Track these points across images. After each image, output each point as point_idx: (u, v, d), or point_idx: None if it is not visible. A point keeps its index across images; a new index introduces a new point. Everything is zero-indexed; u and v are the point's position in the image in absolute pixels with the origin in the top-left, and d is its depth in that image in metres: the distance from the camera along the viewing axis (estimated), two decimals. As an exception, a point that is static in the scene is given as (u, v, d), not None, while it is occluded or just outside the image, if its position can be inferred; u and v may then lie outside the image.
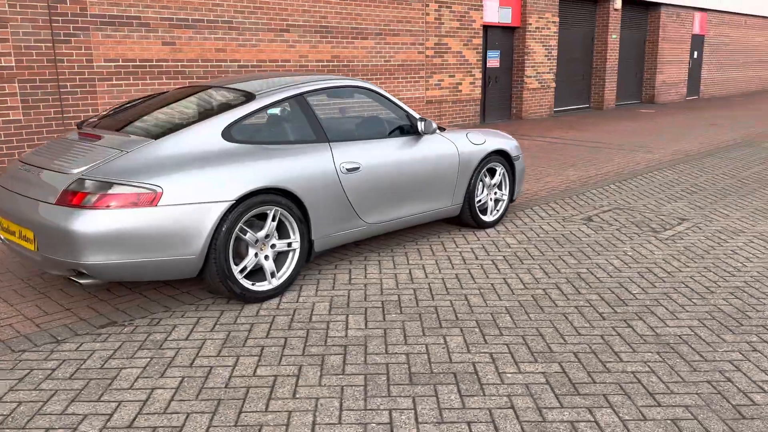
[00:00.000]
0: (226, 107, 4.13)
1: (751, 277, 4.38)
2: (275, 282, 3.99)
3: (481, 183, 5.48)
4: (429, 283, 4.27)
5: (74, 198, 3.46)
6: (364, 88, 4.82)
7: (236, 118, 4.02)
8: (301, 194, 4.05)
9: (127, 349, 3.31)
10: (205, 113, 4.14)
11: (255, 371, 3.09)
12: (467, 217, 5.42)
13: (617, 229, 5.59)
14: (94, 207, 3.42)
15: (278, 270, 4.05)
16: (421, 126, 4.87)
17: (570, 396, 2.87)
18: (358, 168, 4.40)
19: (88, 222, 3.38)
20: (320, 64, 10.86)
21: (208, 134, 3.89)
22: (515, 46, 14.91)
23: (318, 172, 4.17)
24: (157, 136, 3.85)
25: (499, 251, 4.96)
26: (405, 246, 5.11)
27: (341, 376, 3.03)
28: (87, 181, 3.52)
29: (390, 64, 11.89)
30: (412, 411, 2.74)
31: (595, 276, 4.41)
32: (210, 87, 4.64)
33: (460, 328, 3.56)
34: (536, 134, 12.34)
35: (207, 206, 3.63)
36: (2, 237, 3.94)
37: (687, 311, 3.79)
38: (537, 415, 2.71)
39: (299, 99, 4.38)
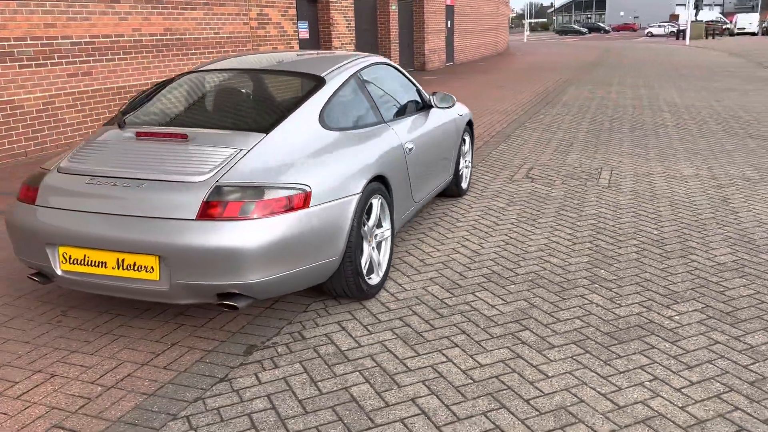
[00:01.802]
0: (301, 92, 3.69)
1: (710, 206, 5.32)
2: (381, 274, 3.76)
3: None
4: (496, 252, 4.39)
5: (224, 209, 2.87)
6: (385, 63, 4.65)
7: (324, 102, 3.63)
8: (390, 179, 3.85)
9: (319, 371, 2.90)
10: (279, 100, 3.67)
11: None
12: (453, 187, 5.58)
13: (563, 183, 6.24)
14: (251, 217, 2.88)
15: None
16: (434, 100, 4.86)
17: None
18: (413, 147, 4.29)
19: (250, 235, 2.84)
20: (154, 38, 9.74)
21: (308, 122, 3.47)
22: (320, 17, 14.94)
23: (394, 155, 3.98)
24: (266, 129, 3.33)
25: (505, 215, 5.24)
26: (413, 225, 5.11)
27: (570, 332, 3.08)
28: (229, 187, 2.94)
29: (219, 36, 11.12)
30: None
31: (610, 225, 4.95)
32: (249, 70, 4.08)
33: (591, 287, 3.80)
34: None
35: (346, 201, 3.28)
36: (64, 273, 3.09)
37: (727, 238, 4.51)
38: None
39: (357, 78, 4.09)
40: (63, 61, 8.31)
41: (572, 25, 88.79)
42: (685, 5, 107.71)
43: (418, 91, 4.90)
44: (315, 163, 3.24)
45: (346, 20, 15.59)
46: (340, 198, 3.24)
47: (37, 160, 7.93)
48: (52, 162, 3.46)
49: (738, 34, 51.60)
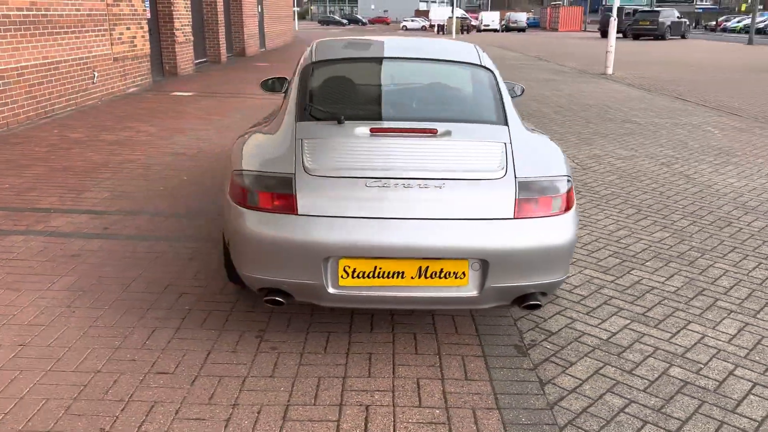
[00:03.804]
0: (484, 82, 3.57)
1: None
2: None
3: None
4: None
5: (536, 206, 2.74)
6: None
7: (512, 96, 3.58)
8: None
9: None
10: (478, 90, 3.52)
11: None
12: None
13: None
14: (559, 212, 2.79)
15: None
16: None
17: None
18: None
19: (563, 230, 2.76)
20: (21, 13, 8.14)
21: (516, 113, 3.40)
22: (160, -5, 13.61)
23: None
24: (504, 121, 3.20)
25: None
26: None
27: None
28: (532, 183, 2.79)
29: (80, 14, 9.63)
30: None
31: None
32: (415, 59, 3.76)
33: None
34: (248, 92, 12.00)
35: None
36: (341, 289, 2.69)
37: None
38: None
39: None
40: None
41: (334, 16, 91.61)
42: (426, 1, 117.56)
43: None
44: (549, 153, 3.19)
45: (185, 1, 14.42)
46: None
47: None
48: (253, 163, 2.91)
49: (484, 30, 57.84)
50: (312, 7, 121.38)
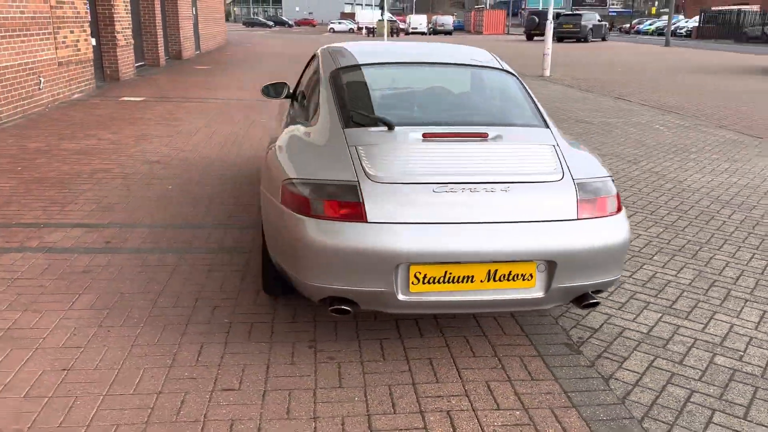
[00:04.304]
0: (511, 86, 3.64)
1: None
2: None
3: None
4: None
5: (595, 206, 2.83)
6: None
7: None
8: None
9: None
10: (509, 94, 3.58)
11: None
12: None
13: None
14: (615, 212, 2.90)
15: None
16: None
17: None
18: None
19: (621, 230, 2.86)
20: (-34, 14, 7.64)
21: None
22: (99, -3, 13.05)
23: None
24: (545, 124, 3.27)
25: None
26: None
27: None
28: (588, 184, 2.88)
29: (25, 16, 9.13)
30: None
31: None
32: (447, 64, 3.81)
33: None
34: (202, 96, 11.67)
35: None
36: (411, 296, 2.69)
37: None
38: None
39: None
40: None
41: (259, 17, 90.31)
42: (351, 3, 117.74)
43: None
44: (587, 155, 3.28)
45: (125, 2, 13.88)
46: None
47: None
48: (309, 171, 2.86)
49: (412, 33, 58.51)
50: (235, 9, 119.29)
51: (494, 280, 2.72)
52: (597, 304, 2.91)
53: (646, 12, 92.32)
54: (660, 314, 3.50)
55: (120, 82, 13.40)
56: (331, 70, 3.61)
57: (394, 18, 63.28)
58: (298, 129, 3.45)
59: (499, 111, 3.44)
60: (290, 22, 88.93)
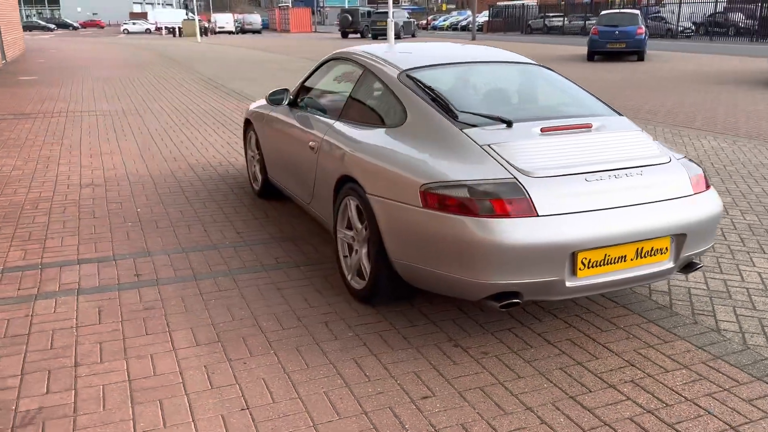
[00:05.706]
0: (565, 81, 3.96)
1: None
2: None
3: None
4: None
5: (698, 182, 3.21)
6: None
7: None
8: None
9: None
10: (562, 88, 3.88)
11: None
12: None
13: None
14: (709, 187, 3.33)
15: None
16: None
17: None
18: None
19: (718, 199, 3.30)
20: None
21: None
22: None
23: None
24: (616, 112, 3.60)
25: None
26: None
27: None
28: (687, 164, 3.28)
29: None
30: None
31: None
32: (502, 62, 4.04)
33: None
34: (69, 109, 10.45)
35: None
36: (577, 281, 2.88)
37: None
38: None
39: None
40: None
41: (38, 21, 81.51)
42: (141, 3, 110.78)
43: None
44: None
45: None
46: None
47: None
48: (451, 174, 2.93)
49: (220, 32, 56.85)
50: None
51: (641, 257, 3.01)
52: (701, 267, 3.34)
53: (435, 9, 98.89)
54: (703, 273, 4.05)
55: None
56: (398, 73, 3.67)
57: (197, 17, 60.95)
58: (375, 133, 3.51)
59: (575, 103, 3.71)
60: (75, 24, 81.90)
